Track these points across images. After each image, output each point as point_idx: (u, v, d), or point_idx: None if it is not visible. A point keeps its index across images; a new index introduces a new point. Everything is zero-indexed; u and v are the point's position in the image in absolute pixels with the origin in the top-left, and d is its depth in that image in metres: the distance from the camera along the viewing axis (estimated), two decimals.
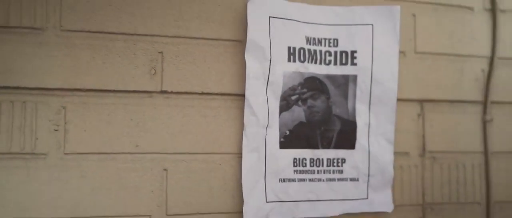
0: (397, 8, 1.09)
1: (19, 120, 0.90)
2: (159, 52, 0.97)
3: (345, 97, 1.08)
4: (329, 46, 1.06)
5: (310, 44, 1.05)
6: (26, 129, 0.90)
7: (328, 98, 1.07)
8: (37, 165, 0.90)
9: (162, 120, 0.97)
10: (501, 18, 1.21)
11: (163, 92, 0.97)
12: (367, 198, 1.09)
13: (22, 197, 0.89)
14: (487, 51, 1.20)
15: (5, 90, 0.89)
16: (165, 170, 0.96)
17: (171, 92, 0.97)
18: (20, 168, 0.89)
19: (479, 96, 1.19)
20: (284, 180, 1.03)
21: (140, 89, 0.96)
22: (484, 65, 1.19)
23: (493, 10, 1.21)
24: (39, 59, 0.91)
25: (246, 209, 0.99)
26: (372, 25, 1.08)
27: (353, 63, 1.07)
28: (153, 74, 0.96)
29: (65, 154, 0.91)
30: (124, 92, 0.95)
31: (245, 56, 0.99)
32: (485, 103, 1.19)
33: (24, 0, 0.91)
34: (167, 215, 0.96)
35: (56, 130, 0.91)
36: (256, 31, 0.99)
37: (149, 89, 0.96)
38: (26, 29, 0.91)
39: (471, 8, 1.20)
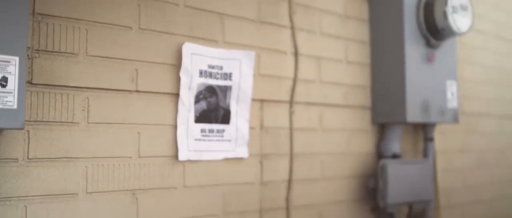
0: (253, 52, 2.09)
1: (65, 104, 1.64)
2: (135, 69, 1.79)
3: (226, 97, 2.03)
4: (219, 69, 2.01)
5: (210, 68, 1.98)
6: (69, 108, 1.64)
7: (217, 97, 2.01)
8: (75, 128, 1.65)
9: (137, 105, 1.79)
10: (299, 59, 2.32)
11: (138, 91, 1.79)
12: (235, 150, 2.06)
13: (68, 145, 1.63)
14: (292, 75, 2.29)
15: (59, 87, 1.62)
16: (138, 133, 1.79)
17: (142, 92, 1.80)
18: (66, 130, 1.63)
19: (288, 98, 2.27)
20: (196, 140, 1.94)
21: (126, 89, 1.77)
22: (291, 83, 2.28)
23: (296, 54, 2.31)
24: (75, 71, 1.66)
25: (179, 154, 1.87)
26: (240, 60, 2.06)
27: (230, 79, 2.04)
28: (132, 81, 1.78)
29: (88, 123, 1.68)
30: (119, 90, 1.75)
31: (180, 74, 1.88)
32: (291, 103, 2.27)
33: (68, 35, 1.65)
34: (139, 157, 1.79)
35: (84, 110, 1.67)
36: (186, 61, 1.89)
37: (131, 89, 1.78)
38: (69, 54, 1.65)
39: (285, 52, 2.27)
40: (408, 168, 2.57)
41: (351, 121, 2.55)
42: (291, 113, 2.28)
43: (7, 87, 1.33)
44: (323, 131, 2.41)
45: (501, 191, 3.58)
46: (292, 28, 2.30)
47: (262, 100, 2.17)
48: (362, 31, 2.64)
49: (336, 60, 2.49)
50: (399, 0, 2.54)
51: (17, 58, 1.35)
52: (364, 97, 2.62)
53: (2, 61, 1.32)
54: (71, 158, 1.65)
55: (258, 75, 2.16)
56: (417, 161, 2.71)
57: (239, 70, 2.06)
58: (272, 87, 2.21)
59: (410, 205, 2.66)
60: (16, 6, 1.36)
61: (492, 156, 3.51)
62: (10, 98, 1.33)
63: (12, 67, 1.34)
